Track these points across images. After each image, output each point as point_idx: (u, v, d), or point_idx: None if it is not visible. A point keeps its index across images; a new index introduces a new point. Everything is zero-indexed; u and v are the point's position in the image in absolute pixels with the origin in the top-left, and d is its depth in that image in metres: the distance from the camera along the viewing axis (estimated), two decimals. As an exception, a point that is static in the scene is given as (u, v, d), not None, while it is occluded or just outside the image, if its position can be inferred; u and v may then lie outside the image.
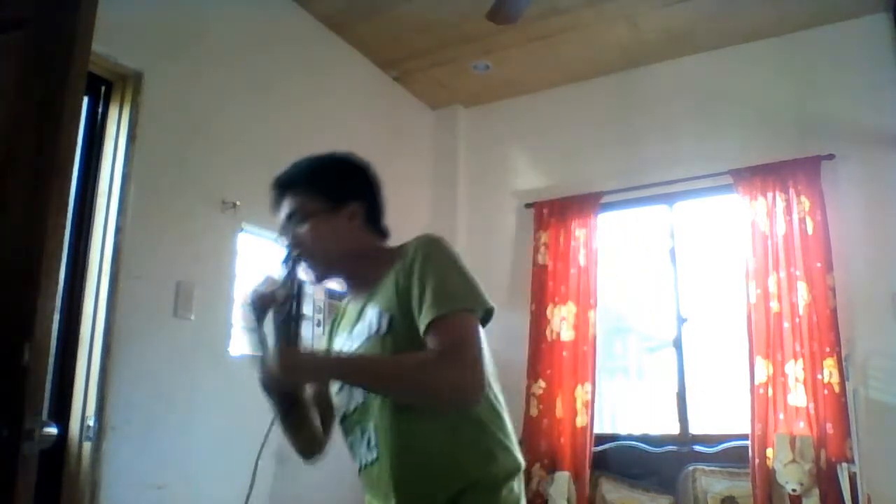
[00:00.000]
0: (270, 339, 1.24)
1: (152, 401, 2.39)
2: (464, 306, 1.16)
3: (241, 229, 2.86)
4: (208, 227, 2.71)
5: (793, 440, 3.05)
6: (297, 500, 2.93)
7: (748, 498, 3.12)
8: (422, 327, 1.14)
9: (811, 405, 3.08)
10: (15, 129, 1.19)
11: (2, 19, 1.25)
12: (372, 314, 1.24)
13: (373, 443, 1.21)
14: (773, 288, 3.27)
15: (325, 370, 1.24)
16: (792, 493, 3.02)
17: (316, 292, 3.14)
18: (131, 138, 2.40)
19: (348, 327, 1.32)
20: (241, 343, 2.86)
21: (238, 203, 2.79)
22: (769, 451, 3.12)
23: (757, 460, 3.13)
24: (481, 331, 1.17)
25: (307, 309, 3.07)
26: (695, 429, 3.51)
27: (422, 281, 1.17)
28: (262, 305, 1.25)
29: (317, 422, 1.37)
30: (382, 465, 1.19)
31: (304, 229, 1.29)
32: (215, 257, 2.73)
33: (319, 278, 1.32)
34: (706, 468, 3.29)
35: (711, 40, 3.68)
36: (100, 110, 2.43)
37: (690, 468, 3.31)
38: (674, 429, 3.55)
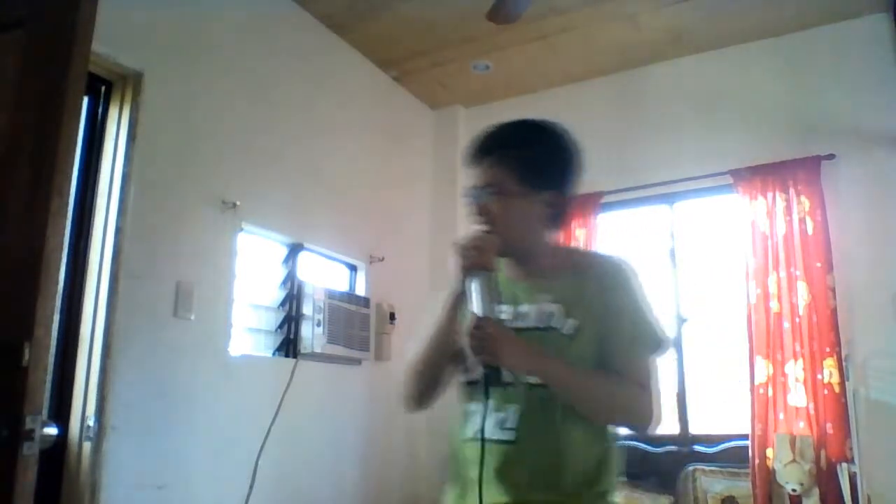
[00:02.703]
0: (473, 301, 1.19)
1: (152, 401, 2.39)
2: (656, 350, 1.27)
3: (241, 229, 2.86)
4: (208, 227, 2.71)
5: (793, 440, 3.05)
6: (298, 500, 2.94)
7: (748, 498, 3.12)
8: (619, 356, 1.23)
9: (811, 405, 3.09)
10: (15, 129, 1.19)
11: (2, 19, 1.25)
12: (551, 308, 1.25)
13: (509, 425, 1.22)
14: (773, 288, 3.27)
15: (535, 362, 1.19)
16: (792, 493, 3.02)
17: (316, 292, 3.14)
18: (131, 138, 2.40)
19: (510, 301, 1.30)
20: (241, 342, 2.86)
21: (238, 203, 2.79)
22: (769, 451, 3.12)
23: (757, 460, 3.13)
24: None
25: (307, 309, 3.08)
26: (695, 429, 3.51)
27: (630, 315, 1.26)
28: (477, 262, 1.20)
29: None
30: (521, 449, 1.22)
31: (496, 205, 1.26)
32: (215, 257, 2.73)
33: (501, 253, 1.29)
34: (706, 468, 3.29)
35: (711, 40, 3.68)
36: (100, 110, 2.43)
37: (690, 468, 3.31)
38: (674, 429, 3.54)
